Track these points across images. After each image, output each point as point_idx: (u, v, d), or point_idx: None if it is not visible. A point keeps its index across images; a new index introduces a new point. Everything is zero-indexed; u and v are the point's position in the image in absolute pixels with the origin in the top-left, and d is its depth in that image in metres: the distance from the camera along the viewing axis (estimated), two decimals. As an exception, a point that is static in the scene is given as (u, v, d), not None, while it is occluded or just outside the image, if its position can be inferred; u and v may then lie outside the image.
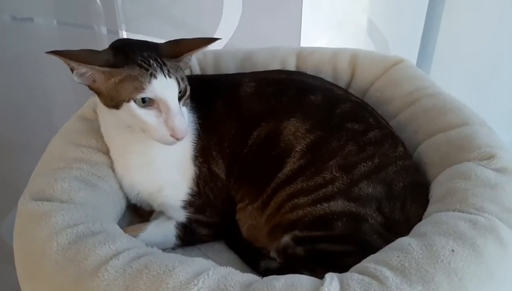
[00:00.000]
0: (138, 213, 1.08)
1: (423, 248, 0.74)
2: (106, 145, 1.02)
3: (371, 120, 0.99)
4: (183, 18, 1.38)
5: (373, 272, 0.71)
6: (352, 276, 0.71)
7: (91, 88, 0.91)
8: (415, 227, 0.84)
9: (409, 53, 1.65)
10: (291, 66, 1.24)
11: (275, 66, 1.23)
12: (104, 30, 1.52)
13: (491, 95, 1.64)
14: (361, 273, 0.72)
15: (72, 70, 0.87)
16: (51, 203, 0.87)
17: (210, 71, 1.25)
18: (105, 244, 0.78)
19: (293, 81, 1.06)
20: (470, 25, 1.61)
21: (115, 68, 0.86)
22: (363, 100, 1.08)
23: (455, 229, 0.76)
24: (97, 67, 0.86)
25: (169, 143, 0.88)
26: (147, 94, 0.85)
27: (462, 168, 0.90)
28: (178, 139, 0.87)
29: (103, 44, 1.50)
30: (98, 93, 0.91)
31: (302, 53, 1.25)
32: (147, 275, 0.72)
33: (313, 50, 1.26)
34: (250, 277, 0.76)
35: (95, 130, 1.04)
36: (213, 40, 0.93)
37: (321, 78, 1.12)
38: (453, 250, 0.72)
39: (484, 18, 1.59)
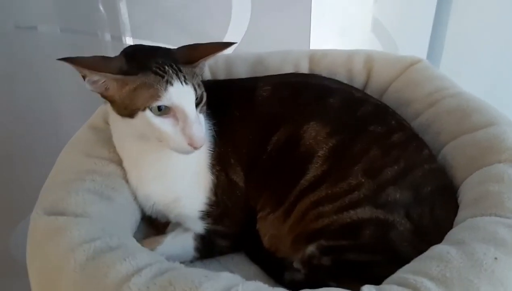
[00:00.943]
0: (153, 225, 1.04)
1: (463, 256, 0.70)
2: (118, 155, 0.99)
3: (393, 122, 0.96)
4: (191, 23, 1.35)
5: (413, 283, 0.67)
6: (391, 288, 0.67)
7: (103, 96, 0.87)
8: (449, 233, 0.80)
9: (417, 53, 1.61)
10: (304, 69, 1.21)
11: (288, 69, 1.20)
12: (108, 36, 1.49)
13: (503, 95, 1.61)
14: (399, 284, 0.69)
15: (84, 77, 0.83)
16: (65, 217, 0.83)
17: (221, 76, 1.21)
18: (125, 259, 0.74)
19: (310, 84, 1.03)
20: (479, 24, 1.58)
21: (129, 76, 0.82)
22: (382, 102, 1.04)
23: (495, 235, 0.72)
24: (110, 75, 0.82)
25: (187, 153, 0.85)
26: (163, 102, 0.81)
27: (493, 170, 0.87)
28: (196, 148, 0.83)
29: (107, 50, 1.48)
30: (111, 101, 0.87)
31: (314, 56, 1.22)
32: (173, 292, 0.68)
33: (325, 53, 1.23)
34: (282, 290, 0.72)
35: (106, 140, 1.01)
36: (228, 44, 0.89)
37: (338, 81, 1.09)
38: (496, 258, 0.68)
39: (494, 16, 1.56)
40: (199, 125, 0.84)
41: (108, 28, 1.46)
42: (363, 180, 0.87)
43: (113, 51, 1.43)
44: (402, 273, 0.72)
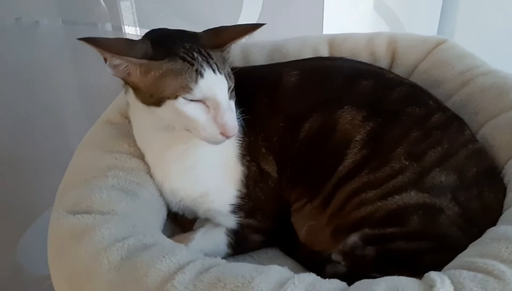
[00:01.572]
0: (178, 222, 0.98)
1: (532, 235, 0.65)
2: (139, 150, 0.92)
3: (431, 103, 0.91)
4: (201, 13, 1.29)
5: (483, 267, 0.63)
6: (461, 273, 0.62)
7: (126, 81, 0.81)
8: (505, 214, 0.76)
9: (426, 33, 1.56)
10: (323, 54, 1.16)
11: (307, 55, 1.14)
12: (109, 27, 1.43)
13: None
14: (468, 269, 0.64)
15: (105, 59, 0.77)
16: (92, 215, 0.77)
17: (238, 65, 1.15)
18: (164, 257, 0.69)
19: (339, 66, 0.98)
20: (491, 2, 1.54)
21: (155, 61, 0.76)
22: (415, 83, 0.99)
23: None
24: (134, 59, 0.76)
25: (218, 142, 0.79)
26: (194, 95, 0.76)
27: (543, 147, 0.82)
28: (228, 137, 0.78)
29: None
30: (134, 88, 0.81)
31: (334, 41, 1.17)
32: (224, 289, 0.63)
33: (345, 37, 1.18)
34: (338, 283, 0.67)
35: (125, 134, 0.95)
36: (258, 26, 0.83)
37: (366, 63, 1.04)
38: None
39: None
40: (231, 113, 0.78)
41: (109, 19, 1.41)
42: (406, 163, 0.82)
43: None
44: (467, 257, 0.67)
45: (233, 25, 0.85)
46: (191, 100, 0.76)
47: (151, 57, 0.77)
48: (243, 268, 0.66)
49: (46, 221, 1.36)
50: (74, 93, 1.38)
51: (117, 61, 0.76)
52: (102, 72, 1.39)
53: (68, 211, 0.79)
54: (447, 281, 0.61)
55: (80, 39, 0.74)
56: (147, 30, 1.35)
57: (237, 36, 0.82)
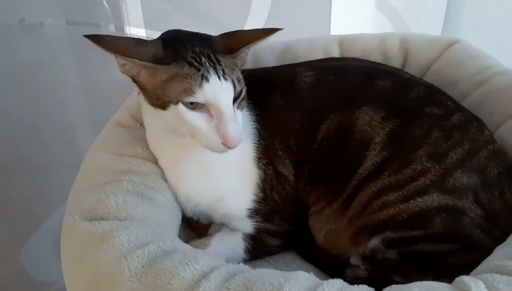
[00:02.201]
0: (192, 227, 0.97)
1: None
2: (153, 154, 0.90)
3: (449, 103, 0.90)
4: (209, 13, 1.28)
5: (516, 270, 0.61)
6: (494, 277, 0.61)
7: (134, 80, 0.79)
8: (530, 215, 0.75)
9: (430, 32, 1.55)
10: (334, 55, 1.15)
11: (318, 56, 1.13)
12: (112, 27, 1.41)
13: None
14: (500, 273, 0.62)
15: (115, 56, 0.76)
16: (109, 221, 0.75)
17: (249, 67, 1.14)
18: (187, 264, 0.67)
19: (354, 67, 0.97)
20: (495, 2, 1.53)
21: (161, 65, 0.75)
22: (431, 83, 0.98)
23: None
24: (138, 62, 0.74)
25: (220, 152, 0.77)
26: (196, 99, 0.74)
27: None
28: (230, 148, 0.76)
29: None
30: (142, 88, 0.79)
31: (345, 41, 1.16)
32: (252, 296, 0.60)
33: (356, 37, 1.17)
34: (367, 289, 0.65)
35: (137, 137, 0.93)
36: (273, 31, 0.81)
37: (381, 63, 1.03)
38: None
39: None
40: (235, 124, 0.76)
41: (112, 19, 1.39)
42: (428, 165, 0.81)
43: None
44: (497, 260, 0.66)
45: (249, 30, 0.83)
46: (193, 109, 0.74)
47: (159, 61, 0.75)
48: (270, 274, 0.65)
49: (52, 227, 1.35)
50: (79, 93, 1.37)
51: (122, 61, 0.75)
52: (107, 72, 1.38)
53: (83, 217, 0.77)
54: (482, 286, 0.60)
55: (85, 36, 0.72)
56: (152, 31, 1.35)
57: (251, 41, 0.79)
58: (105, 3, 1.41)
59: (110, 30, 1.42)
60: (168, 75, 0.75)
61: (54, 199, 1.30)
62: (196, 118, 0.75)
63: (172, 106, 0.75)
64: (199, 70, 0.74)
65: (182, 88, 0.74)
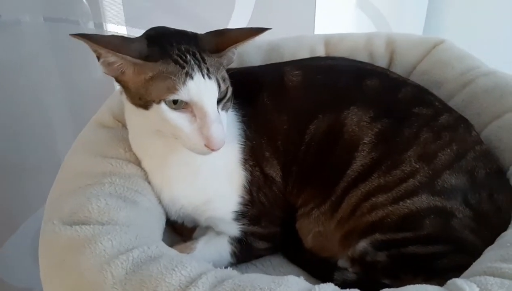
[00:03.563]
0: (177, 231, 0.94)
1: (554, 239, 0.64)
2: (135, 155, 0.88)
3: (437, 103, 0.89)
4: (192, 10, 1.25)
5: (509, 272, 0.61)
6: (487, 280, 0.60)
7: (118, 80, 0.77)
8: (519, 216, 0.74)
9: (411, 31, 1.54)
10: (320, 54, 1.13)
11: (304, 55, 1.11)
12: (91, 25, 1.37)
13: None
14: (493, 275, 0.62)
15: (98, 58, 0.73)
16: (91, 226, 0.72)
17: (233, 65, 1.11)
18: (174, 269, 0.64)
19: (342, 66, 0.95)
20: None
21: (149, 62, 0.72)
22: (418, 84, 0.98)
23: None
24: (130, 58, 0.72)
25: (203, 154, 0.75)
26: (180, 96, 0.71)
27: (551, 147, 0.81)
28: (213, 150, 0.73)
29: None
30: (125, 87, 0.77)
31: (331, 40, 1.15)
32: (242, 303, 0.58)
33: (342, 37, 1.16)
34: (359, 293, 0.63)
35: (119, 138, 0.90)
36: (261, 30, 0.79)
37: (368, 63, 1.02)
38: None
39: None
40: (219, 125, 0.73)
41: (91, 16, 1.35)
42: (417, 166, 0.80)
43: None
44: (489, 262, 0.65)
45: (236, 29, 0.81)
46: (176, 109, 0.72)
47: (145, 58, 0.73)
48: (260, 279, 0.63)
49: (29, 231, 1.30)
50: (58, 92, 1.32)
51: (112, 58, 0.72)
52: (87, 71, 1.35)
53: (63, 222, 0.74)
54: (476, 289, 0.59)
55: (73, 35, 0.69)
56: (133, 29, 1.32)
57: (239, 40, 0.77)
58: (84, 0, 1.37)
59: (89, 27, 1.37)
60: (153, 73, 0.72)
61: (32, 202, 1.26)
62: (178, 118, 0.72)
63: (155, 106, 0.73)
64: (183, 67, 0.72)
65: (165, 86, 0.71)
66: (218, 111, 0.75)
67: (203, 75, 0.73)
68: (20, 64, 1.24)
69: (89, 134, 0.94)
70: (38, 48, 1.24)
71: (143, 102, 0.74)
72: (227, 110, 0.78)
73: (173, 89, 0.71)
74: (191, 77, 0.72)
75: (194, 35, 0.79)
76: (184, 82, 0.71)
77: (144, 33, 0.79)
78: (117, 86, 0.82)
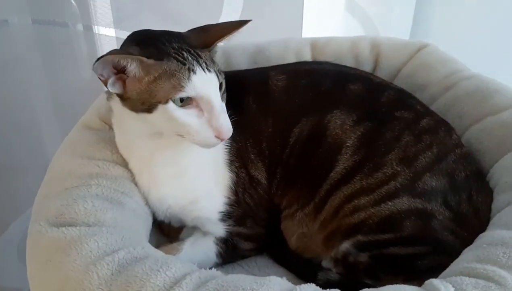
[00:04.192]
0: (163, 231, 0.95)
1: (528, 240, 0.66)
2: (122, 157, 0.89)
3: (418, 107, 0.91)
4: (181, 13, 1.26)
5: (484, 273, 0.63)
6: (463, 280, 0.62)
7: (119, 96, 0.78)
8: (497, 218, 0.77)
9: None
10: (306, 57, 1.15)
11: (290, 58, 1.13)
12: (80, 27, 1.37)
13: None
14: (469, 275, 0.63)
15: (105, 83, 0.75)
16: (77, 227, 0.73)
17: (220, 68, 1.13)
18: (158, 270, 0.66)
19: (326, 71, 0.97)
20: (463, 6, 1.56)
21: (157, 62, 0.73)
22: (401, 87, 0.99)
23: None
24: (145, 60, 0.73)
25: (212, 145, 0.77)
26: (187, 92, 0.73)
27: (530, 150, 0.84)
28: (223, 139, 0.76)
29: (79, 41, 1.36)
30: (125, 98, 0.77)
31: (317, 44, 1.16)
32: (225, 303, 0.60)
33: (328, 40, 1.17)
34: (339, 293, 0.65)
35: (106, 140, 0.91)
36: (244, 22, 0.82)
37: (352, 67, 1.03)
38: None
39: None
40: (226, 115, 0.76)
41: (80, 18, 1.35)
42: (398, 169, 0.82)
43: (85, 41, 1.33)
44: (466, 263, 0.67)
45: (218, 24, 0.83)
46: (182, 106, 0.74)
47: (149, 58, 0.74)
48: (243, 280, 0.64)
49: (17, 232, 1.30)
50: (46, 94, 1.32)
51: (132, 66, 0.73)
52: (75, 72, 1.35)
53: (50, 223, 0.75)
54: (451, 289, 0.61)
55: (98, 60, 0.71)
56: (121, 31, 1.33)
57: (224, 34, 0.80)
58: (73, 1, 1.37)
59: (78, 29, 1.38)
60: (158, 74, 0.74)
61: (20, 203, 1.26)
62: (186, 115, 0.74)
63: (161, 107, 0.74)
64: (184, 64, 0.74)
65: (171, 85, 0.73)
66: (222, 103, 0.77)
67: (203, 69, 0.75)
68: (7, 66, 1.24)
69: (76, 136, 0.95)
70: (26, 49, 1.24)
71: (147, 106, 0.75)
72: (224, 101, 0.80)
73: (179, 86, 0.73)
74: (194, 72, 0.74)
75: (179, 34, 0.81)
76: (188, 78, 0.73)
77: (128, 39, 0.80)
78: (105, 89, 0.83)
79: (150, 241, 0.88)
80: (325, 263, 0.87)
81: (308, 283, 0.67)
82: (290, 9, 1.36)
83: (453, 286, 0.61)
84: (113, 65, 0.73)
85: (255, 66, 1.10)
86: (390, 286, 0.64)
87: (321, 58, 1.14)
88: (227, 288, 0.62)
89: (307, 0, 1.37)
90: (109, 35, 1.36)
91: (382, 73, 1.12)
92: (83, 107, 1.03)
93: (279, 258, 0.91)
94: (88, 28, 1.38)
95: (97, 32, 1.39)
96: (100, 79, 0.75)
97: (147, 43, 0.76)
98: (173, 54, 0.74)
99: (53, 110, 1.33)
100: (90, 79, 0.78)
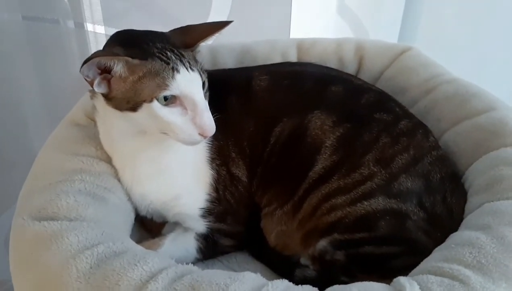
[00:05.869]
0: (146, 227, 0.97)
1: (495, 241, 0.68)
2: (106, 153, 0.90)
3: (397, 109, 0.93)
4: (169, 12, 1.27)
5: (449, 272, 0.65)
6: (429, 278, 0.64)
7: (104, 95, 0.80)
8: (468, 219, 0.79)
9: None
10: (292, 58, 1.16)
11: (276, 58, 1.15)
12: (71, 24, 1.39)
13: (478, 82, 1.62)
14: (435, 274, 0.66)
15: (91, 84, 0.76)
16: (58, 222, 0.75)
17: (207, 67, 1.14)
18: (136, 265, 0.68)
19: (308, 72, 0.99)
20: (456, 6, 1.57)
21: (142, 61, 0.75)
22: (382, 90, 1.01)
23: (520, 218, 0.70)
24: (130, 60, 0.74)
25: (195, 143, 0.79)
26: (171, 91, 0.75)
27: (503, 154, 0.86)
28: (206, 137, 0.78)
29: (70, 38, 1.37)
30: (110, 97, 0.79)
31: (303, 45, 1.18)
32: (198, 297, 0.62)
33: (314, 41, 1.19)
34: (310, 289, 0.68)
35: (91, 136, 0.93)
36: (226, 23, 0.84)
37: (335, 69, 1.05)
38: (527, 241, 0.66)
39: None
40: (209, 113, 0.78)
41: (71, 15, 1.37)
42: (375, 170, 0.84)
43: (76, 39, 1.34)
44: (433, 262, 0.69)
45: (201, 24, 0.85)
46: (167, 105, 0.76)
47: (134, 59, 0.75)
48: (217, 275, 0.66)
49: (3, 225, 1.31)
50: (35, 91, 1.34)
51: (117, 67, 0.74)
52: (64, 70, 1.36)
53: (33, 217, 0.76)
54: (416, 287, 0.63)
55: (85, 62, 0.73)
56: (111, 29, 1.34)
57: (206, 35, 0.82)
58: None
59: (69, 26, 1.39)
60: (142, 73, 0.75)
61: (7, 197, 1.27)
62: (170, 114, 0.76)
63: (145, 106, 0.76)
64: (168, 64, 0.75)
65: (156, 84, 0.75)
66: (205, 102, 0.79)
67: (187, 69, 0.77)
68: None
69: (62, 132, 0.96)
70: (15, 46, 1.25)
71: (132, 105, 0.76)
72: (207, 99, 0.82)
73: (163, 85, 0.75)
74: (178, 72, 0.76)
75: (162, 34, 0.82)
76: (172, 77, 0.75)
77: (111, 39, 0.81)
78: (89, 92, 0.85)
79: (133, 236, 0.91)
80: (303, 260, 0.89)
81: (281, 279, 0.68)
82: (279, 10, 1.37)
83: (418, 284, 0.63)
84: (97, 66, 0.75)
85: (242, 66, 1.12)
86: (359, 283, 0.66)
87: (307, 59, 1.16)
88: (202, 283, 0.64)
89: (296, 1, 1.39)
90: (100, 33, 1.37)
91: (365, 76, 1.14)
92: (70, 103, 1.04)
93: (258, 254, 0.93)
94: (79, 26, 1.39)
95: (88, 29, 1.40)
96: (86, 80, 0.76)
97: (131, 44, 0.78)
98: (157, 54, 0.76)
99: (40, 106, 1.34)
100: (80, 76, 0.79)
